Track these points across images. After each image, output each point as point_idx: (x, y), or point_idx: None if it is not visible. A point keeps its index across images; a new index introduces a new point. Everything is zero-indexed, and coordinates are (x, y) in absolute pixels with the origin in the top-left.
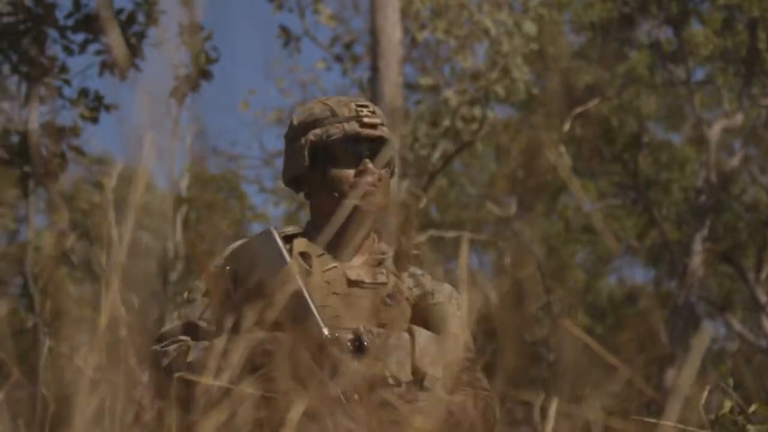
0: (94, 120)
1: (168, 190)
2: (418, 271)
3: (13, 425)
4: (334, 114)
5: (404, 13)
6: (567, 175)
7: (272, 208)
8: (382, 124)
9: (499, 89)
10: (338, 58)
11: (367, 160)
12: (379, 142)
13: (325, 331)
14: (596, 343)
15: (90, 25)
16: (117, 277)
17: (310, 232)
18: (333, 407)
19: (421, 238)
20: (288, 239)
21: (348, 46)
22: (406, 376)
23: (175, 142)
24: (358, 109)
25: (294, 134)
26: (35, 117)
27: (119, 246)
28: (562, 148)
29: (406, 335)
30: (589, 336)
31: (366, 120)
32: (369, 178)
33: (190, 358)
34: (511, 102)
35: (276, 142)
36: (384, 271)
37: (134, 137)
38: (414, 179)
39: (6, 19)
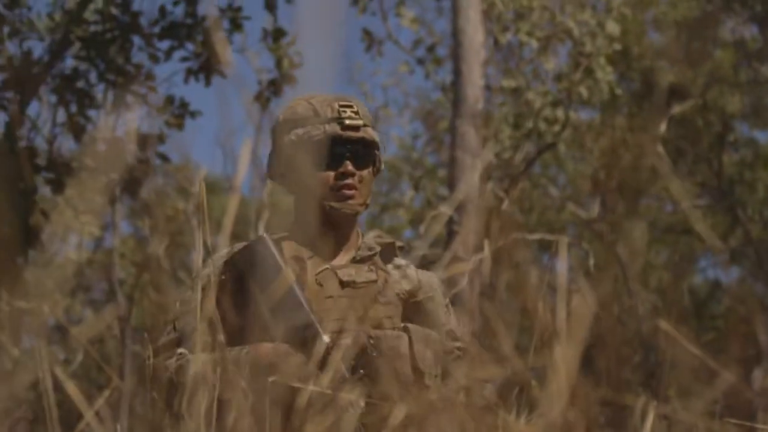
0: (180, 127)
1: (250, 196)
2: (402, 262)
3: (114, 428)
4: (316, 114)
5: (487, 16)
6: (667, 174)
7: None
8: (365, 125)
9: (583, 90)
10: (420, 61)
11: (348, 162)
12: (363, 142)
13: (326, 339)
14: (696, 346)
15: (175, 32)
16: (214, 283)
17: (296, 232)
18: (436, 412)
19: (506, 240)
20: (277, 243)
21: (430, 49)
22: (407, 375)
23: (258, 147)
24: (341, 109)
25: (278, 131)
26: (121, 124)
27: (212, 253)
28: (660, 149)
29: (403, 335)
30: (686, 338)
31: (348, 122)
32: (349, 180)
33: (191, 372)
34: (593, 104)
35: None
36: (373, 268)
37: (224, 143)
38: (497, 182)
39: (93, 28)
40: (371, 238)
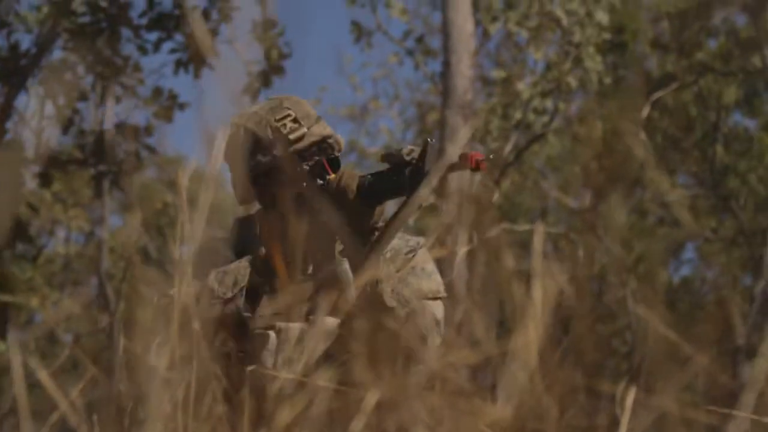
0: (168, 118)
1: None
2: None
3: (89, 422)
4: (257, 140)
5: (476, 6)
6: (647, 158)
7: None
8: (308, 128)
9: (572, 80)
10: (410, 53)
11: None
12: (316, 145)
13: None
14: (673, 333)
15: (163, 23)
16: (188, 273)
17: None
18: (409, 397)
19: (494, 231)
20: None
21: (419, 40)
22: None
23: None
24: (279, 126)
25: (229, 163)
26: (110, 116)
27: (191, 243)
28: (642, 135)
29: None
30: (666, 326)
31: (290, 137)
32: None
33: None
34: (585, 93)
35: (348, 138)
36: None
37: (207, 134)
38: (486, 173)
39: (81, 20)
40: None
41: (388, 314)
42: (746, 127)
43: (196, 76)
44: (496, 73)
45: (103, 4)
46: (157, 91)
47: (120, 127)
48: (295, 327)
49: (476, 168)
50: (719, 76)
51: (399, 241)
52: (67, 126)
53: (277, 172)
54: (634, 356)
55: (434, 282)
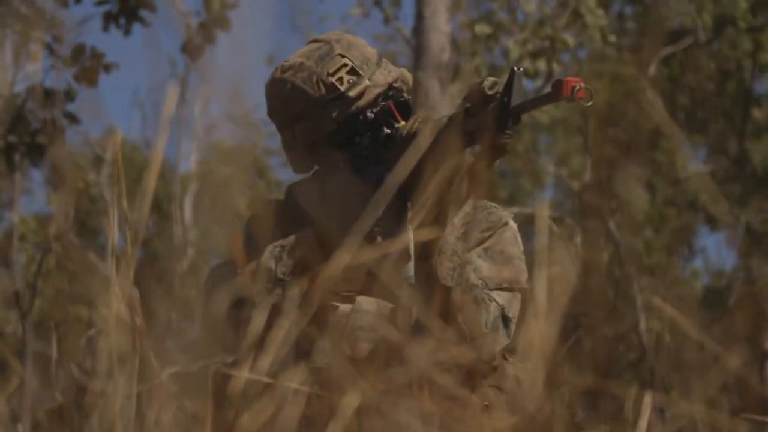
0: (92, 82)
1: (174, 166)
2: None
3: (13, 429)
4: (309, 99)
5: None
6: (664, 124)
7: None
8: (369, 77)
9: (569, 37)
10: (377, 3)
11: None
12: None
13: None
14: (697, 333)
15: None
16: (131, 266)
17: None
18: (392, 400)
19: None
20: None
21: None
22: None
23: (182, 108)
24: (334, 81)
25: (279, 124)
26: (22, 78)
27: (135, 233)
28: (652, 97)
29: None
30: (688, 325)
31: (350, 94)
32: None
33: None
34: (585, 51)
35: None
36: None
37: (144, 101)
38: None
39: None
40: None
41: (442, 294)
42: None
43: (127, 32)
44: (479, 29)
45: None
46: (79, 50)
47: (35, 90)
48: (347, 307)
49: (572, 97)
50: (748, 33)
51: (480, 214)
52: None
53: (339, 134)
54: (647, 358)
55: (513, 269)
